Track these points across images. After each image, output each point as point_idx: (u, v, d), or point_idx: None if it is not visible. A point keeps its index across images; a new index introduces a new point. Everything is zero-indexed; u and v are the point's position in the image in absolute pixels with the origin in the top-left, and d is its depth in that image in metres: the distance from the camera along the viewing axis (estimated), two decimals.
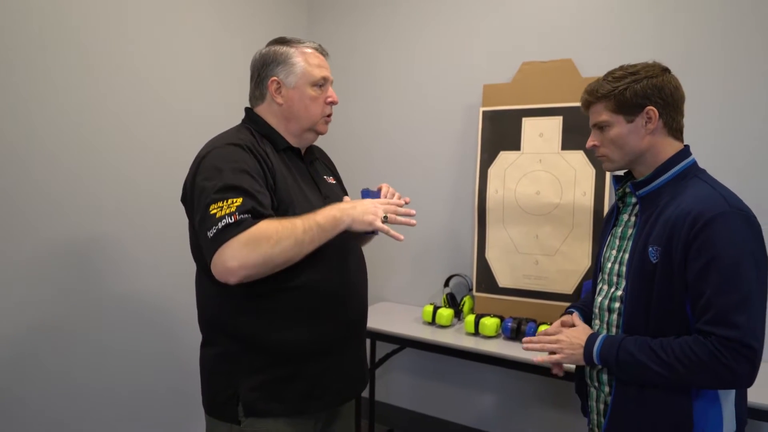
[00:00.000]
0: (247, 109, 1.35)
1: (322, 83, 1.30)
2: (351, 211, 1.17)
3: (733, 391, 1.13)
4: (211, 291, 1.22)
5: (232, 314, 1.20)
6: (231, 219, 1.07)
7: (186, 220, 1.26)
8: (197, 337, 1.31)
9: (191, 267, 1.29)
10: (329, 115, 1.35)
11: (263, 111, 1.31)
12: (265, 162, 1.20)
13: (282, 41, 1.31)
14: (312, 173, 1.36)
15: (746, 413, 1.16)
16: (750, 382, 1.03)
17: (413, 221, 1.22)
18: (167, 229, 2.12)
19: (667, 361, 1.05)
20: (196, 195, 1.16)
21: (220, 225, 1.07)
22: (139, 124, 2.07)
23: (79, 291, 1.89)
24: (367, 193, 1.33)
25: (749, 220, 1.06)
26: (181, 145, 2.15)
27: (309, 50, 1.30)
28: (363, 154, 2.79)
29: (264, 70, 1.29)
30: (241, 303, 1.18)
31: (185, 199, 1.24)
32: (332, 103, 1.33)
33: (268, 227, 1.08)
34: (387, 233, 1.18)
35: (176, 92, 2.20)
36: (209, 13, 2.35)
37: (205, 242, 1.10)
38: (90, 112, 1.91)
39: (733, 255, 1.02)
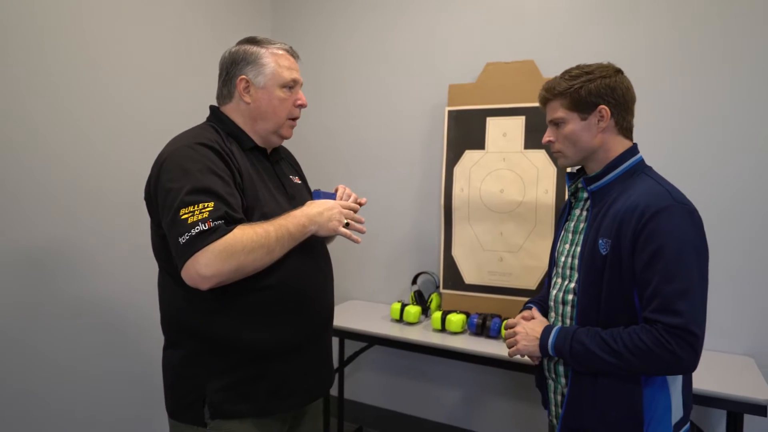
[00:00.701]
0: (212, 107, 1.34)
1: (291, 85, 1.30)
2: (318, 218, 1.23)
3: (680, 379, 1.18)
4: (175, 292, 1.20)
5: (197, 315, 1.18)
6: (204, 226, 1.06)
7: (147, 220, 1.25)
8: (159, 338, 1.29)
9: (152, 267, 1.27)
10: (295, 119, 1.34)
11: (230, 110, 1.30)
12: (232, 161, 1.19)
13: (253, 41, 1.31)
14: (278, 173, 1.35)
15: (691, 399, 1.22)
16: (693, 366, 1.08)
17: (364, 229, 1.33)
18: (127, 229, 2.09)
19: (617, 350, 1.10)
20: (161, 196, 1.14)
21: (193, 231, 1.06)
22: (99, 124, 2.03)
23: (35, 294, 1.84)
24: (318, 194, 1.35)
25: (692, 213, 1.11)
26: (143, 143, 2.13)
27: (280, 52, 1.30)
28: (331, 154, 2.80)
29: (233, 69, 1.28)
30: (208, 304, 1.16)
31: (149, 198, 1.22)
32: (301, 105, 1.33)
33: (242, 236, 1.09)
34: (349, 237, 1.29)
35: (136, 91, 2.17)
36: (171, 10, 2.32)
37: (176, 247, 1.09)
38: (49, 112, 1.87)
39: (677, 246, 1.07)
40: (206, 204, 1.08)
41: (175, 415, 1.23)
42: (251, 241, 1.09)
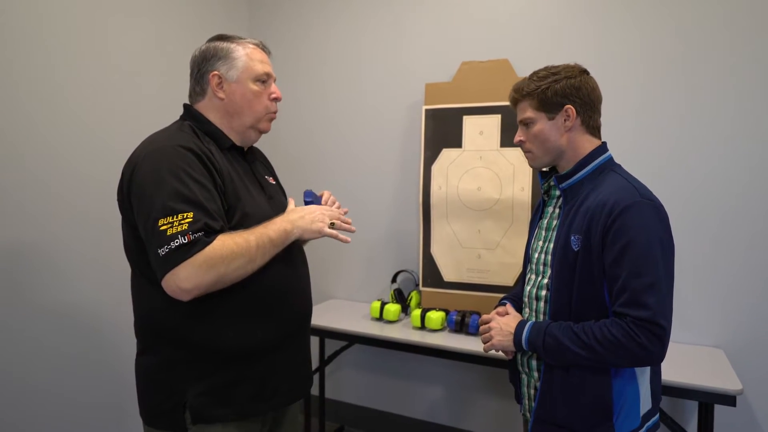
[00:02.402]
0: (186, 106, 1.31)
1: (264, 79, 1.29)
2: (300, 222, 1.23)
3: (648, 371, 1.21)
4: (151, 296, 1.17)
5: (175, 319, 1.16)
6: (184, 239, 1.04)
7: (118, 221, 1.22)
8: (130, 344, 1.27)
9: (122, 270, 1.25)
10: (274, 113, 1.33)
11: (204, 107, 1.28)
12: (211, 163, 1.17)
13: (223, 37, 1.29)
14: (255, 173, 1.34)
15: (660, 390, 1.25)
16: (661, 358, 1.11)
17: (353, 228, 1.34)
18: (96, 232, 2.05)
19: (588, 343, 1.12)
20: (136, 201, 1.12)
21: (172, 245, 1.04)
22: (68, 124, 1.99)
23: (2, 299, 1.80)
24: (310, 194, 1.36)
25: (658, 209, 1.14)
26: (114, 144, 2.10)
27: (251, 46, 1.29)
28: (310, 154, 2.80)
29: (204, 65, 1.27)
30: (185, 307, 1.13)
31: (121, 200, 1.19)
32: (276, 99, 1.32)
33: (223, 247, 1.08)
34: (336, 238, 1.28)
35: (105, 93, 2.13)
36: (145, 13, 2.30)
37: (155, 259, 1.07)
38: (15, 114, 1.82)
39: (644, 241, 1.10)
40: (185, 214, 1.06)
41: (153, 423, 1.20)
42: (231, 252, 1.08)
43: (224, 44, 1.27)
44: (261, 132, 1.33)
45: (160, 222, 1.06)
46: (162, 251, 1.05)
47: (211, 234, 1.09)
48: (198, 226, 1.06)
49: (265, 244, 1.14)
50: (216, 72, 1.25)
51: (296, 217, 1.23)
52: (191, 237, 1.05)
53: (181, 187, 1.09)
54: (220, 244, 1.08)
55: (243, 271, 1.12)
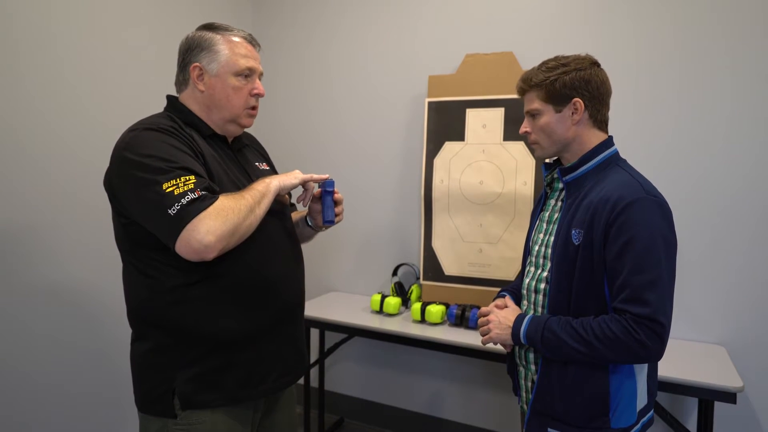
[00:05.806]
0: (169, 97, 1.31)
1: (247, 73, 1.26)
2: (276, 179, 1.24)
3: (646, 367, 1.20)
4: (140, 284, 1.18)
5: (164, 306, 1.16)
6: (194, 194, 1.05)
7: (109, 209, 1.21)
8: (126, 331, 1.27)
9: (117, 260, 1.24)
10: (254, 108, 1.31)
11: (186, 98, 1.28)
12: (193, 145, 1.18)
13: (210, 27, 1.28)
14: (240, 160, 1.33)
15: (656, 387, 1.24)
16: (659, 355, 1.10)
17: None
18: (94, 219, 2.04)
19: (586, 338, 1.11)
20: (132, 186, 1.10)
21: (183, 201, 1.04)
22: (60, 111, 1.97)
23: None
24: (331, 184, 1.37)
25: (662, 206, 1.12)
26: (113, 129, 2.05)
27: (237, 39, 1.26)
28: (313, 145, 2.79)
29: (188, 55, 1.26)
30: (173, 294, 1.14)
31: (110, 188, 1.18)
32: (257, 95, 1.30)
33: (227, 200, 1.10)
34: (311, 180, 1.31)
35: (107, 79, 2.12)
36: (150, 5, 2.28)
37: (164, 222, 1.05)
38: (15, 100, 1.81)
39: (646, 238, 1.08)
40: (188, 177, 1.07)
41: (145, 408, 1.21)
42: (236, 203, 1.10)
43: (209, 35, 1.25)
44: (241, 126, 1.32)
45: (165, 185, 1.06)
46: (173, 210, 1.04)
47: (214, 193, 1.11)
48: (203, 186, 1.08)
49: (256, 196, 1.16)
50: (197, 64, 1.24)
51: (271, 176, 1.25)
52: (200, 193, 1.06)
53: (175, 157, 1.10)
54: (224, 197, 1.10)
55: (250, 221, 1.12)
